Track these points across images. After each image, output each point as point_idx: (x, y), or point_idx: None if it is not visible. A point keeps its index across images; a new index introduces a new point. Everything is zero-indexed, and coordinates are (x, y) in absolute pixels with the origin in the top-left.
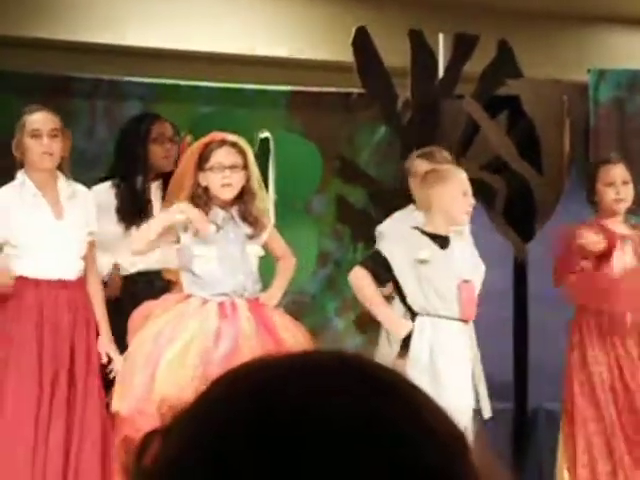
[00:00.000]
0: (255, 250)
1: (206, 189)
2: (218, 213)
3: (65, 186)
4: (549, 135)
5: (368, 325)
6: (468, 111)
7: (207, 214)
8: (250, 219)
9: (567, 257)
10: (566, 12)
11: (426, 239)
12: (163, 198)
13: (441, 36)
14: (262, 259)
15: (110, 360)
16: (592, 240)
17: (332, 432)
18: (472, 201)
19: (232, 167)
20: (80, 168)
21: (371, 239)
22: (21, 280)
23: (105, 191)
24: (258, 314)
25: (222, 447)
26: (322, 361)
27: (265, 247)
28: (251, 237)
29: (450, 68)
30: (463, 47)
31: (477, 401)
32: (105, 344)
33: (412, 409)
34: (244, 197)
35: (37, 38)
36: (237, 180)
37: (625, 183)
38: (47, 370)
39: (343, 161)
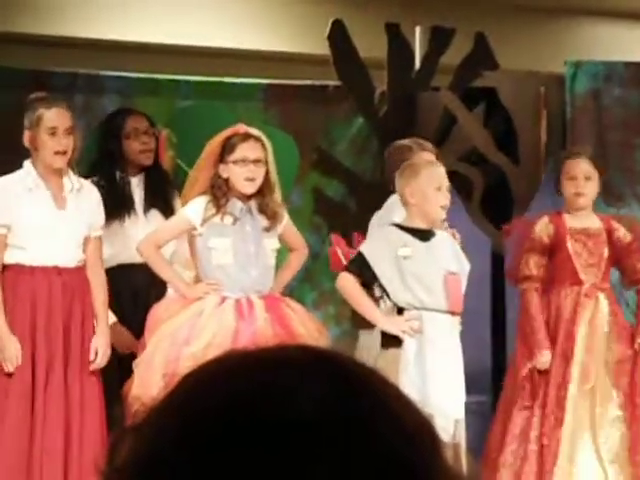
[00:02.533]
0: (272, 243)
1: (226, 181)
2: (236, 205)
3: (71, 181)
4: (526, 127)
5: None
6: (445, 103)
7: (225, 206)
8: (268, 212)
9: (518, 254)
10: (543, 4)
11: (406, 235)
12: (145, 192)
13: (418, 29)
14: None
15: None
16: (541, 229)
17: (301, 425)
18: (447, 195)
19: (256, 161)
20: None
21: (348, 232)
22: (16, 268)
23: None
24: (274, 311)
25: (188, 441)
26: (292, 356)
27: (280, 239)
28: (268, 229)
29: (426, 60)
30: (440, 40)
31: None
32: (98, 341)
33: (382, 403)
34: (263, 190)
35: (13, 32)
36: (260, 174)
37: (587, 178)
38: (41, 356)
39: (320, 153)
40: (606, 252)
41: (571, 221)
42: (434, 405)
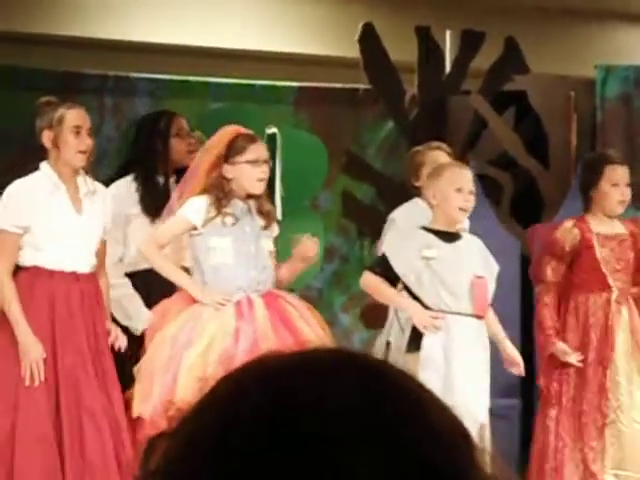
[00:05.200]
0: (269, 244)
1: (229, 182)
2: (237, 205)
3: (85, 183)
4: (556, 130)
5: (376, 320)
6: (475, 107)
7: (226, 206)
8: (264, 212)
9: (539, 257)
10: (573, 8)
11: (431, 237)
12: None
13: (448, 32)
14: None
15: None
16: (564, 234)
17: (336, 431)
18: (469, 197)
19: (266, 162)
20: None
21: (378, 234)
22: (35, 270)
23: (124, 186)
24: (274, 308)
25: (223, 447)
26: (325, 359)
27: (275, 242)
28: (264, 229)
29: (457, 64)
30: (470, 43)
31: None
32: (114, 337)
33: (416, 408)
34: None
35: (44, 34)
36: (267, 175)
37: (628, 185)
38: (64, 359)
39: (349, 156)
40: (632, 257)
41: (597, 226)
42: (458, 409)
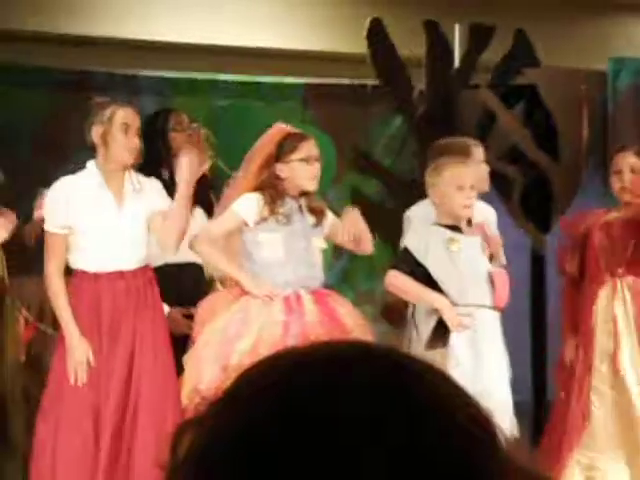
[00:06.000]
0: (319, 242)
1: (281, 180)
2: (289, 204)
3: (131, 180)
4: (567, 124)
5: (395, 316)
6: (484, 101)
7: (279, 204)
8: (316, 209)
9: (566, 246)
10: (585, 0)
11: (448, 231)
12: None
13: (457, 26)
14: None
15: None
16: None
17: (356, 423)
18: (471, 194)
19: (318, 159)
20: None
21: (386, 231)
22: (81, 274)
23: None
24: (323, 305)
25: (249, 438)
26: (348, 352)
27: (329, 238)
28: (315, 226)
29: (466, 58)
30: (479, 37)
31: None
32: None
33: (438, 399)
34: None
35: (51, 33)
36: (319, 172)
37: (633, 171)
38: (109, 364)
39: (358, 153)
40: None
41: (609, 216)
42: (490, 401)
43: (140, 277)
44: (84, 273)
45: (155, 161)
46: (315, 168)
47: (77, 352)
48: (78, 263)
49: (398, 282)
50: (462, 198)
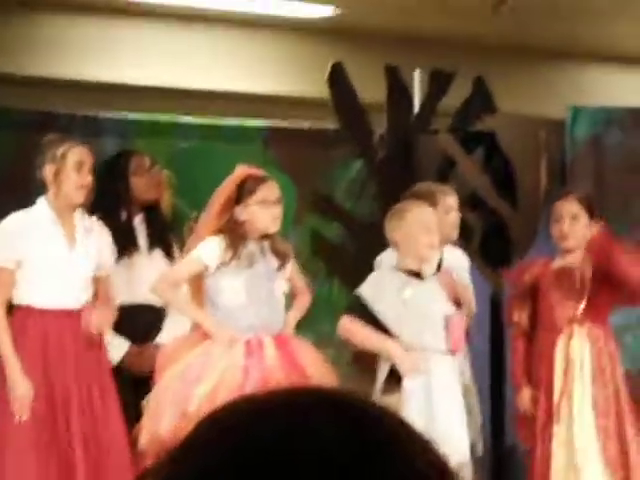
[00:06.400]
0: (281, 285)
1: (242, 223)
2: (251, 246)
3: (82, 219)
4: (525, 171)
5: (366, 361)
6: (444, 146)
7: (241, 247)
8: (279, 252)
9: (512, 298)
10: (544, 47)
11: (404, 276)
12: (149, 231)
13: (417, 72)
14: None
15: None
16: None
17: (320, 471)
18: (436, 235)
19: (279, 201)
20: None
21: (346, 274)
22: (27, 309)
23: None
24: (284, 350)
25: None
26: (305, 398)
27: (289, 281)
28: (278, 269)
29: (426, 104)
30: (439, 83)
31: (473, 437)
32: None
33: (395, 444)
34: (277, 231)
35: (13, 74)
36: (281, 214)
37: (574, 218)
38: (56, 397)
39: (318, 195)
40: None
41: (556, 264)
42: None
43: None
44: (30, 308)
45: (114, 203)
46: (275, 211)
47: (19, 388)
48: (24, 298)
49: (351, 328)
50: (427, 238)
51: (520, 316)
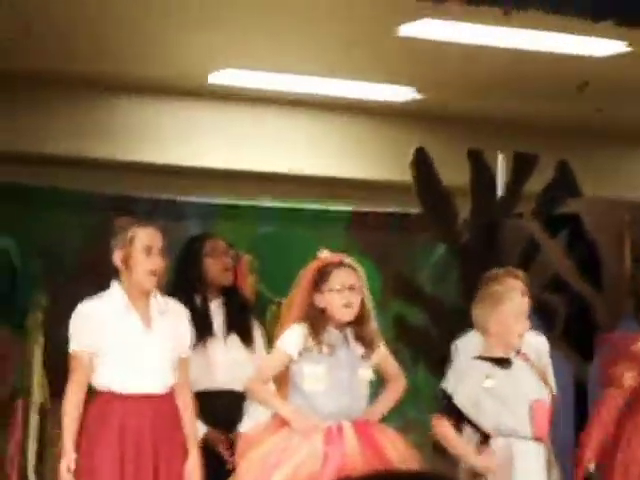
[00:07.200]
0: (366, 374)
1: (322, 310)
2: (333, 334)
3: (158, 301)
4: (609, 254)
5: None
6: (528, 230)
7: (323, 334)
8: (365, 340)
9: (616, 360)
10: (626, 132)
11: (488, 365)
12: (225, 316)
13: (500, 156)
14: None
15: None
16: None
17: None
18: (527, 323)
19: (351, 288)
20: None
21: (431, 359)
22: (107, 395)
23: None
24: (364, 434)
25: None
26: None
27: (376, 369)
28: (363, 357)
29: (509, 187)
30: (523, 167)
31: None
32: (190, 465)
33: None
34: (360, 318)
35: (97, 158)
36: (356, 301)
37: None
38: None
39: (401, 280)
40: None
41: None
42: None
43: (168, 403)
44: (110, 394)
45: (189, 286)
46: (345, 297)
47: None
48: (104, 385)
49: (442, 431)
50: (520, 327)
51: (633, 379)
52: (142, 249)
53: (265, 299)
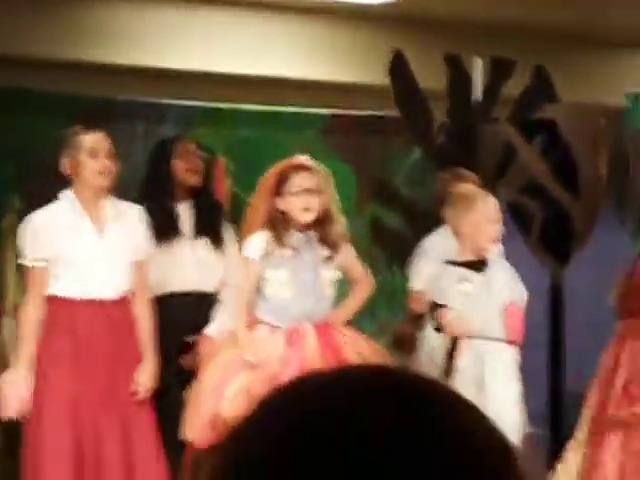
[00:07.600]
0: (330, 274)
1: (283, 213)
2: (295, 236)
3: (112, 205)
4: (585, 159)
5: (406, 345)
6: (504, 135)
7: (285, 237)
8: (328, 242)
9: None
10: (604, 36)
11: (463, 270)
12: (195, 219)
13: (478, 60)
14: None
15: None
16: None
17: (372, 450)
18: (499, 228)
19: (311, 191)
20: (116, 191)
21: (407, 261)
22: (56, 300)
23: None
24: (325, 337)
25: (262, 469)
26: (362, 375)
27: (342, 270)
28: (327, 259)
29: (487, 92)
30: (500, 71)
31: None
32: (143, 375)
33: (452, 417)
34: (323, 220)
35: (78, 60)
36: (315, 204)
37: None
38: (84, 396)
39: (379, 184)
40: None
41: None
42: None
43: (121, 309)
44: (59, 299)
45: (157, 186)
46: (306, 200)
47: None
48: (55, 290)
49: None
50: (491, 231)
51: None
52: (88, 153)
53: (242, 202)
